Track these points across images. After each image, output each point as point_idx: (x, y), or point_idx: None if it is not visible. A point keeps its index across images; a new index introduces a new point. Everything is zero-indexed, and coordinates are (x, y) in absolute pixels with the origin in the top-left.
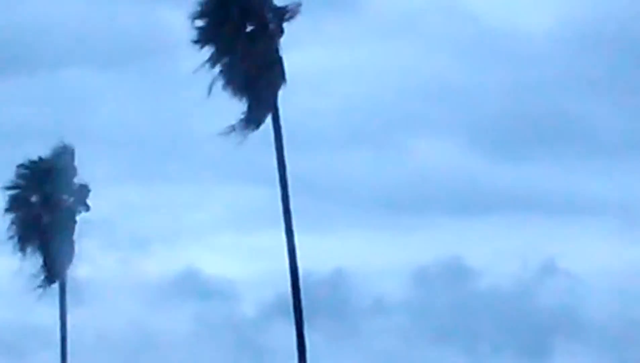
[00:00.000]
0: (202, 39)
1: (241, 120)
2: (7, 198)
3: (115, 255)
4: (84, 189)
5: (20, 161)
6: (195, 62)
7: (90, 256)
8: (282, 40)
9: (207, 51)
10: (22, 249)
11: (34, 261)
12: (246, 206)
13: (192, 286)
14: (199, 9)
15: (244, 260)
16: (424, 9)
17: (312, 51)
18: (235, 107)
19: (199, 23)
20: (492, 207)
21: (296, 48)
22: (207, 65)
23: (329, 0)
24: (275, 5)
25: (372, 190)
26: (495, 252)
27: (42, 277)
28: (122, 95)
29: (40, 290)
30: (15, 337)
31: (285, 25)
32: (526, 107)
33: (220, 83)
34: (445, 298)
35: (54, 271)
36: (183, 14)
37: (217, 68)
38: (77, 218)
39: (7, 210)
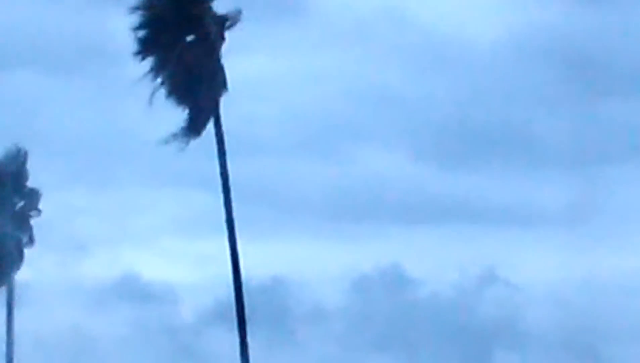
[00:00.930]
0: (143, 49)
1: (183, 127)
2: None
3: (56, 259)
4: (35, 194)
5: None
6: (139, 69)
7: (33, 260)
8: (224, 48)
9: (149, 62)
10: None
11: None
12: (190, 212)
13: (131, 291)
14: (139, 20)
15: (185, 265)
16: (373, 17)
17: (257, 58)
18: (179, 114)
19: (140, 34)
20: (435, 216)
21: (241, 55)
22: (149, 75)
23: (278, 7)
24: (215, 13)
25: (315, 198)
26: (436, 261)
27: None
28: (68, 99)
29: None
30: None
31: (226, 33)
32: (472, 116)
33: (162, 92)
34: (385, 306)
35: (1, 275)
36: (128, 20)
37: (159, 78)
38: (31, 222)
39: None
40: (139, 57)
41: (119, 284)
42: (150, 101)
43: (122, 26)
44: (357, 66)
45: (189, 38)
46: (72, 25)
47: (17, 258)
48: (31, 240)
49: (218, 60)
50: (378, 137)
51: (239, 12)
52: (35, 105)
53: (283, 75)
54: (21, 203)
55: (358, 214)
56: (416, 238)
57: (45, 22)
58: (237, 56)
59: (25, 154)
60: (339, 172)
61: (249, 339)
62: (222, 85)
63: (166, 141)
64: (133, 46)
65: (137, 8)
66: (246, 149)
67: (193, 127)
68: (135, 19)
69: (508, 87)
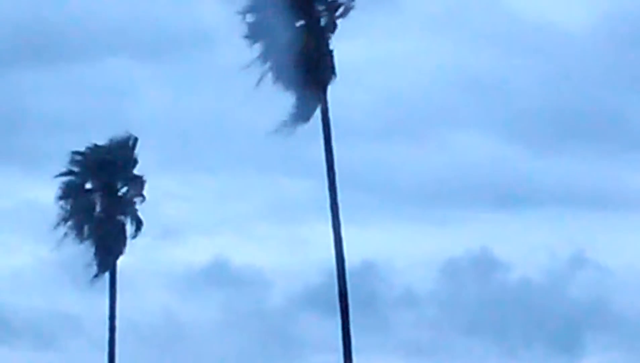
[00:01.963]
0: (253, 34)
1: (291, 114)
2: (61, 185)
3: (154, 244)
4: (139, 180)
5: (74, 149)
6: (237, 55)
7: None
8: (334, 36)
9: (258, 46)
10: (76, 236)
11: (84, 250)
12: (284, 198)
13: (225, 275)
14: (249, 3)
15: (278, 250)
16: (464, 4)
17: (353, 44)
18: (278, 101)
19: (250, 18)
20: (525, 200)
21: (338, 40)
22: (258, 60)
23: None
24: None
25: (408, 183)
26: (526, 245)
27: (94, 266)
28: (163, 87)
29: (93, 278)
30: (51, 324)
31: (338, 20)
32: (563, 102)
33: (270, 77)
34: (475, 290)
35: (105, 260)
36: (224, 6)
37: (267, 63)
38: (136, 208)
39: (60, 197)
40: (248, 41)
41: (211, 269)
42: (258, 85)
43: (215, 13)
44: (450, 51)
45: (299, 23)
46: (165, 13)
47: (121, 244)
48: (137, 227)
49: (327, 46)
50: (473, 122)
51: (351, 1)
52: (132, 92)
53: (376, 61)
54: (125, 189)
55: (449, 198)
56: (506, 223)
57: (139, 10)
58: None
59: (135, 140)
60: (432, 157)
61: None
62: (330, 72)
63: (276, 129)
64: (242, 30)
65: None
66: (342, 134)
67: (302, 114)
68: (245, 2)
69: (600, 73)
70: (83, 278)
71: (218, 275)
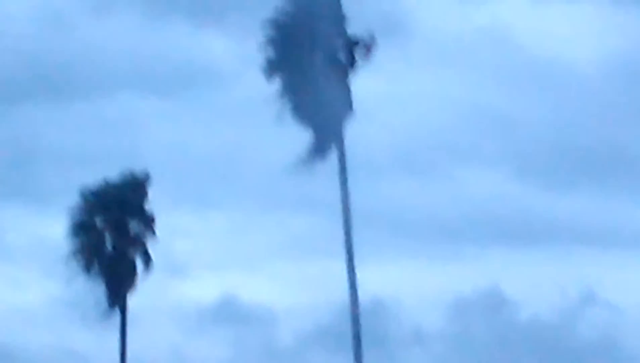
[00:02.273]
0: (272, 67)
1: (308, 150)
2: (70, 221)
3: (164, 281)
4: (150, 217)
5: (84, 185)
6: (250, 91)
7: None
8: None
9: (277, 80)
10: (85, 272)
11: (94, 286)
12: (296, 235)
13: (232, 313)
14: (269, 37)
15: (287, 288)
16: (474, 37)
17: (361, 77)
18: (287, 137)
19: (269, 52)
20: (535, 237)
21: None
22: (276, 95)
23: (378, 27)
24: (348, 36)
25: (418, 219)
26: (535, 283)
27: (105, 303)
28: (175, 123)
29: (102, 315)
30: (60, 361)
31: (358, 59)
32: (573, 137)
33: (288, 112)
34: (484, 328)
35: (116, 297)
36: (235, 42)
37: (286, 98)
38: (147, 245)
39: (70, 233)
40: (267, 75)
41: (224, 306)
42: (278, 120)
43: (226, 49)
44: (460, 86)
45: (318, 59)
46: (177, 48)
47: (131, 281)
48: (147, 264)
49: (346, 82)
50: (481, 158)
51: (372, 38)
52: (144, 128)
53: (386, 96)
54: (136, 226)
55: (460, 235)
56: (516, 260)
57: (151, 46)
58: None
59: (147, 177)
60: (443, 193)
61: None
62: (348, 108)
63: (293, 165)
64: (261, 63)
65: (268, 24)
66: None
67: (318, 150)
68: (265, 35)
69: (610, 109)
70: (93, 315)
71: (227, 312)
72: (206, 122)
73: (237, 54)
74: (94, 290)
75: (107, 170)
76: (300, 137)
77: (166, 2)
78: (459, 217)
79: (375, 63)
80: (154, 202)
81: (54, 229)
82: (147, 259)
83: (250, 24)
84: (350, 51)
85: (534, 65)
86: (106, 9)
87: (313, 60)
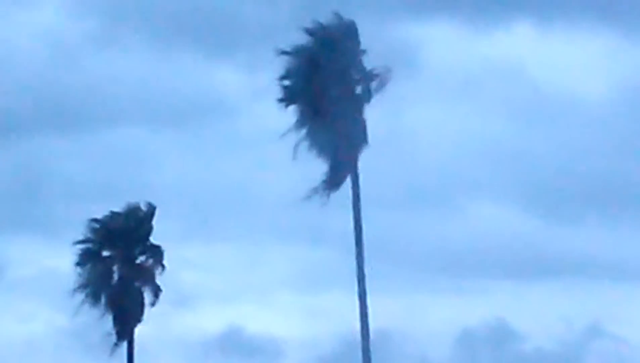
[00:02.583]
0: (288, 98)
1: (322, 181)
2: (78, 252)
3: (168, 313)
4: (158, 249)
5: (90, 217)
6: (258, 123)
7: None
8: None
9: (293, 111)
10: (93, 304)
11: (101, 318)
12: (305, 267)
13: (238, 344)
14: (287, 68)
15: (293, 319)
16: (482, 71)
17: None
18: (296, 169)
19: (286, 82)
20: (541, 270)
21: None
22: (293, 124)
23: (388, 60)
24: (364, 69)
25: (425, 252)
26: (541, 315)
27: (112, 334)
28: (183, 155)
29: (109, 346)
30: None
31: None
32: (582, 171)
33: (302, 142)
34: (491, 360)
35: (123, 329)
36: (245, 75)
37: (302, 129)
38: (156, 278)
39: (78, 264)
40: (283, 104)
41: (228, 337)
42: (295, 152)
43: (236, 81)
44: (470, 120)
45: (335, 92)
46: (183, 81)
47: (139, 313)
48: (156, 295)
49: (361, 115)
50: (489, 191)
51: (388, 71)
52: (152, 160)
53: (396, 128)
54: (143, 258)
55: (466, 268)
56: (523, 292)
57: (160, 77)
58: None
59: (153, 209)
60: (450, 226)
61: None
62: (363, 140)
63: (307, 196)
64: (278, 94)
65: (285, 54)
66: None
67: (333, 181)
68: (282, 66)
69: (619, 142)
70: (100, 346)
71: (233, 344)
72: (216, 154)
73: (247, 86)
74: (102, 321)
75: (115, 202)
76: (312, 168)
77: (176, 34)
78: (468, 250)
79: (388, 96)
80: (163, 234)
81: (61, 260)
82: (155, 290)
83: (261, 56)
84: (367, 84)
85: (543, 98)
86: (116, 40)
87: (329, 92)
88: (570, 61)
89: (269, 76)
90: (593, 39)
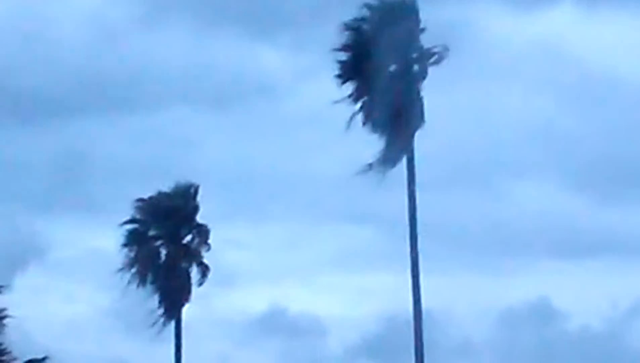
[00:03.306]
0: (345, 73)
1: (378, 158)
2: (125, 233)
3: (212, 293)
4: (204, 228)
5: (134, 197)
6: (301, 103)
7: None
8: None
9: (348, 86)
10: (139, 284)
11: (147, 298)
12: (350, 246)
13: (279, 323)
14: (343, 42)
15: (338, 300)
16: (528, 52)
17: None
18: (345, 148)
19: (342, 57)
20: (588, 249)
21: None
22: (347, 100)
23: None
24: (421, 47)
25: (469, 232)
26: (585, 294)
27: (159, 314)
28: (228, 135)
29: (157, 327)
30: None
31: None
32: (625, 151)
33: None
34: (534, 339)
35: (170, 309)
36: (282, 54)
37: (358, 104)
38: (202, 257)
39: (124, 245)
40: (339, 80)
41: (272, 317)
42: (348, 127)
43: (273, 60)
44: (515, 100)
45: (392, 68)
46: (227, 62)
47: (186, 293)
48: (204, 274)
49: (418, 93)
50: (535, 171)
51: (446, 49)
52: (196, 140)
53: (439, 109)
54: (190, 237)
55: (512, 247)
56: (567, 271)
57: (203, 58)
58: None
59: (197, 189)
60: (496, 206)
61: None
62: (419, 118)
63: (362, 172)
64: (334, 69)
65: (344, 28)
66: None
67: (389, 159)
68: (339, 40)
69: None
70: (147, 327)
71: (277, 323)
72: (261, 134)
73: (289, 66)
74: (148, 302)
75: (159, 183)
76: (362, 147)
77: (219, 15)
78: (515, 230)
79: (443, 75)
80: (209, 214)
81: (106, 241)
82: (203, 270)
83: (305, 37)
84: (424, 62)
85: (588, 79)
86: (158, 22)
87: (387, 68)
88: (616, 40)
89: (314, 56)
90: (638, 17)
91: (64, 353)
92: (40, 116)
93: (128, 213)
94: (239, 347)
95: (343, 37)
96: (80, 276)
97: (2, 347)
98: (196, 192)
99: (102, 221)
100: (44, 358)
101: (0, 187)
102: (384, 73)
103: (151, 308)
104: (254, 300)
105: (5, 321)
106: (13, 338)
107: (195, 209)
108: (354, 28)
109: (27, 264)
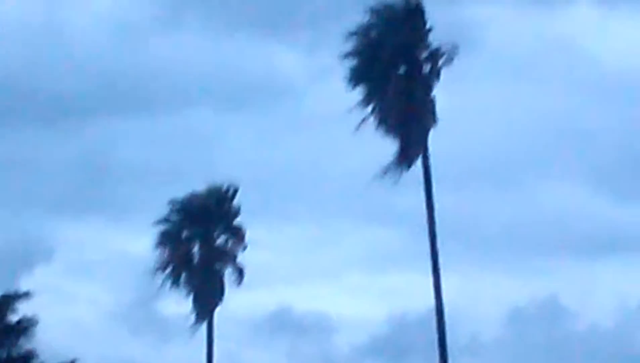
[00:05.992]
0: (355, 77)
1: (393, 161)
2: (157, 233)
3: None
4: (239, 230)
5: (170, 197)
6: (319, 103)
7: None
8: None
9: (359, 90)
10: (172, 285)
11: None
12: (372, 246)
13: (287, 324)
14: (351, 47)
15: (364, 299)
16: (544, 49)
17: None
18: (362, 149)
19: (351, 62)
20: (602, 247)
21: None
22: (360, 104)
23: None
24: (431, 46)
25: (488, 231)
26: (594, 292)
27: (193, 316)
28: (249, 136)
29: (191, 328)
30: None
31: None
32: None
33: (371, 122)
34: (542, 338)
35: (203, 310)
36: (300, 55)
37: (370, 107)
38: (238, 258)
39: (157, 245)
40: (350, 84)
41: (284, 317)
42: (359, 130)
43: (291, 61)
44: (533, 99)
45: (402, 70)
46: (246, 62)
47: (219, 294)
48: (240, 276)
49: (430, 93)
50: (555, 169)
51: (455, 48)
52: (218, 141)
53: (462, 107)
54: (223, 238)
55: (528, 246)
56: (578, 269)
57: (221, 59)
58: None
59: (235, 190)
60: (515, 204)
61: None
62: (432, 118)
63: (379, 176)
64: (345, 74)
65: (351, 34)
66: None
67: (404, 160)
68: (348, 46)
69: None
70: (179, 327)
71: (283, 323)
72: (281, 135)
73: (307, 66)
74: (181, 303)
75: (185, 183)
76: (377, 148)
77: (238, 16)
78: (530, 228)
79: (454, 74)
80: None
81: (135, 243)
82: (239, 271)
83: (323, 37)
84: (434, 62)
85: (606, 76)
86: (177, 23)
87: (396, 70)
88: (631, 37)
89: (330, 57)
90: None
91: (95, 354)
92: (61, 118)
93: (153, 214)
94: (264, 348)
95: (350, 43)
96: (109, 278)
97: (31, 352)
98: (234, 194)
99: (128, 223)
100: (71, 362)
101: (22, 189)
102: (394, 75)
103: (184, 310)
104: (280, 302)
105: (33, 328)
106: (40, 344)
107: (234, 210)
108: (360, 33)
109: (48, 266)
